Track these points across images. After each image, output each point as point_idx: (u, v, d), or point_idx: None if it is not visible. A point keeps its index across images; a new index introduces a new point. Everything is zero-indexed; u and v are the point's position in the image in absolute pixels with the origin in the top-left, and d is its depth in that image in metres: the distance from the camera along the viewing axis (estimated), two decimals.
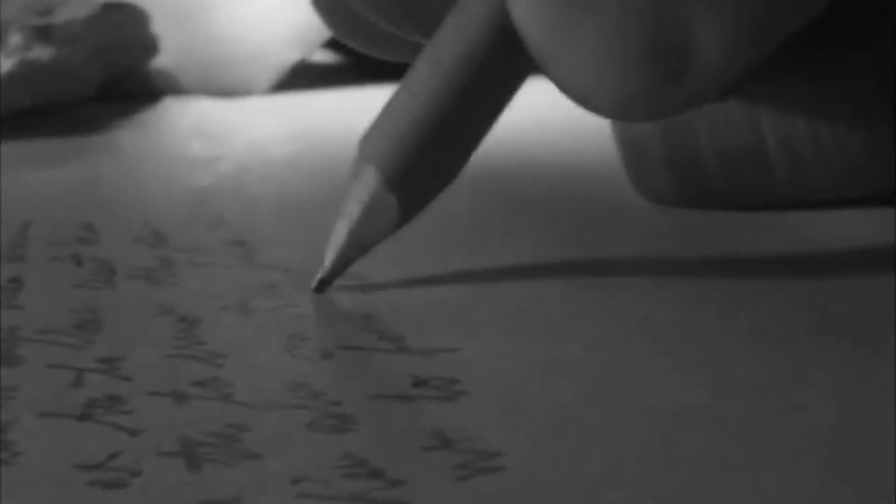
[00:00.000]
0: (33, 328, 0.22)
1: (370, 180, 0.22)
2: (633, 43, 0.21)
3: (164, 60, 0.44)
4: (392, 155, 0.22)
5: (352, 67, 0.45)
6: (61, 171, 0.32)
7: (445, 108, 0.22)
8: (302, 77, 0.44)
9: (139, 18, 0.45)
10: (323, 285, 0.23)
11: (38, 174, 0.32)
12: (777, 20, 0.22)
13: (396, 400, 0.18)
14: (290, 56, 0.44)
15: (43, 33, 0.41)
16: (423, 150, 0.22)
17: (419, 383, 0.19)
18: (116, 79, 0.42)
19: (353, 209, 0.22)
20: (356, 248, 0.23)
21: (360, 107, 0.36)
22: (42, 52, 0.40)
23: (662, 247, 0.26)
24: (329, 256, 0.23)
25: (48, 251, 0.26)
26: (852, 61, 0.26)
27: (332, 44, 0.46)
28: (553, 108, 0.27)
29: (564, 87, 0.22)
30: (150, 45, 0.45)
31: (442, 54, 0.22)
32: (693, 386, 0.18)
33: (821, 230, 0.27)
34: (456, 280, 0.24)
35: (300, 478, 0.16)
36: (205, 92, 0.42)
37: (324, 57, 0.47)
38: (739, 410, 0.18)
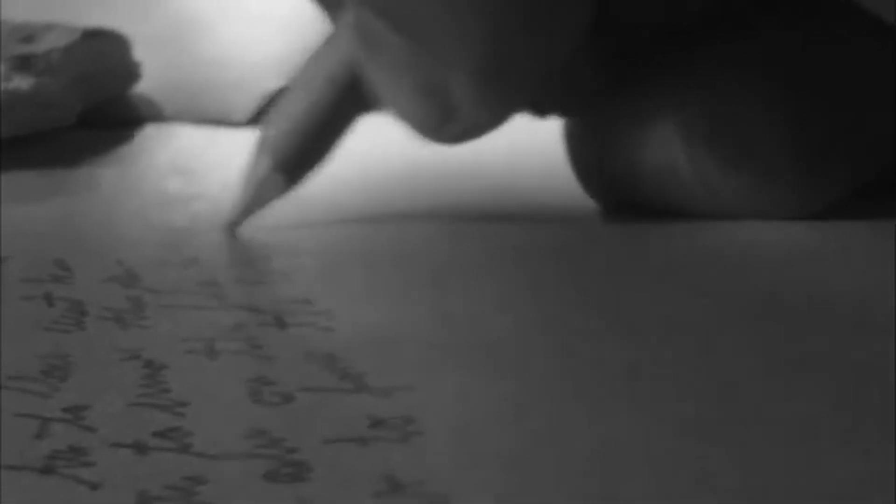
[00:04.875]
0: (4, 374, 0.22)
1: (264, 163, 0.30)
2: (407, 84, 0.26)
3: (145, 87, 0.45)
4: (281, 145, 0.30)
5: None
6: (39, 206, 0.33)
7: (320, 114, 0.30)
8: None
9: (120, 45, 0.45)
10: (231, 228, 0.30)
11: (16, 209, 0.32)
12: (523, 69, 0.26)
13: (353, 443, 0.19)
14: (271, 83, 0.44)
15: (24, 63, 0.41)
16: (302, 142, 0.30)
17: (375, 424, 0.19)
18: (97, 106, 0.43)
19: (251, 182, 0.30)
20: (253, 207, 0.31)
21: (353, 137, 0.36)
22: (22, 82, 0.40)
23: (622, 272, 0.26)
24: (234, 210, 0.31)
25: (22, 290, 0.27)
26: (744, 86, 0.27)
27: None
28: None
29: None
30: (131, 72, 0.45)
31: (318, 72, 0.30)
32: (646, 426, 0.19)
33: (782, 244, 0.27)
34: (418, 315, 0.24)
35: None
36: (186, 118, 0.43)
37: None
38: (688, 451, 0.18)
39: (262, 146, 0.31)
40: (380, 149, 0.36)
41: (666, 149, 0.28)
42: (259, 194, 0.30)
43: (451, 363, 0.21)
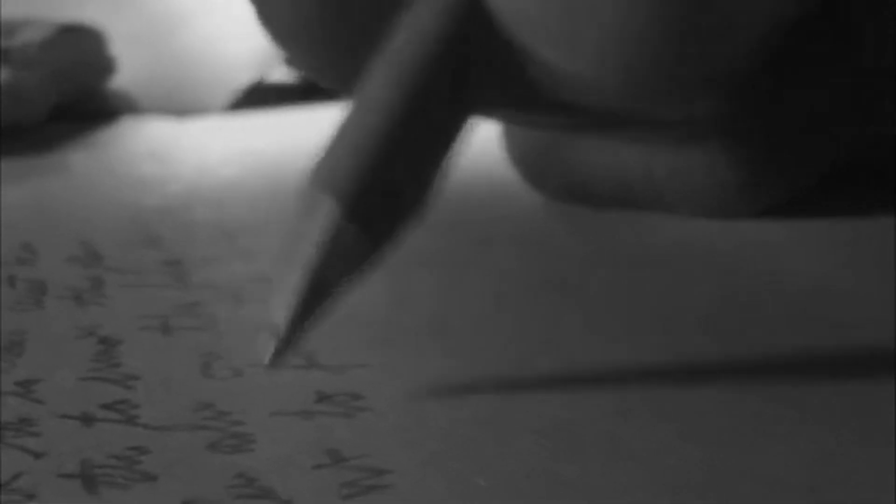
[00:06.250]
0: None
1: (326, 213, 0.19)
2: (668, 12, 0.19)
3: (121, 81, 0.45)
4: (350, 180, 0.19)
5: (309, 86, 0.45)
6: (9, 191, 0.33)
7: (407, 118, 0.19)
8: (259, 96, 0.44)
9: (96, 40, 0.45)
10: (279, 354, 0.18)
11: None
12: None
13: (298, 416, 0.19)
14: (247, 76, 0.44)
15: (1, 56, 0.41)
16: (385, 169, 0.19)
17: (322, 398, 0.19)
18: (72, 100, 0.43)
19: (307, 251, 0.18)
20: (315, 299, 0.18)
21: (312, 126, 0.37)
22: None
23: (574, 256, 0.26)
24: (281, 316, 0.18)
25: None
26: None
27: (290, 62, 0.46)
28: None
29: (565, 69, 0.20)
30: (106, 67, 0.45)
31: (399, 59, 0.20)
32: (594, 407, 0.19)
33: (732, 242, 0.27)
34: (374, 295, 0.24)
35: (191, 499, 0.16)
36: (162, 112, 0.43)
37: (282, 76, 0.47)
38: (637, 434, 0.18)
39: (317, 186, 0.19)
40: None
41: (620, 154, 0.28)
42: (325, 271, 0.18)
43: (403, 342, 0.22)
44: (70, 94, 0.43)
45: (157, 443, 0.18)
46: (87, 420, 0.19)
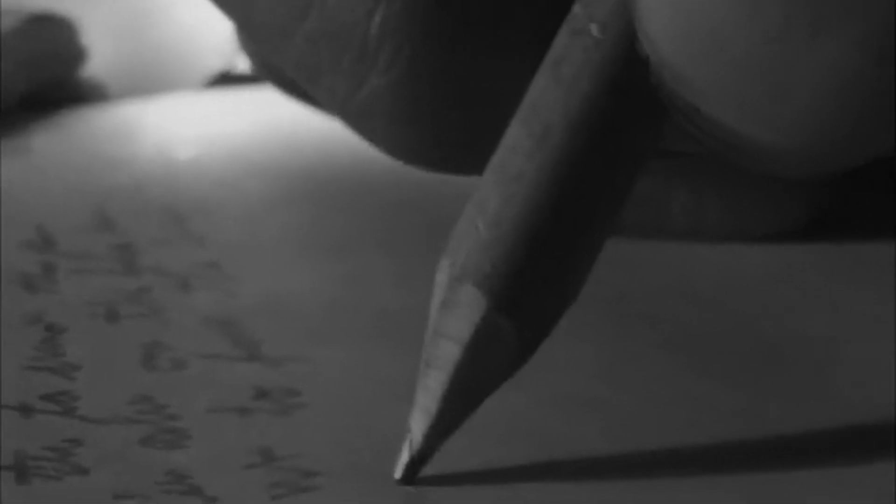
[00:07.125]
0: None
1: (473, 307, 0.17)
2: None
3: (92, 70, 0.45)
4: (501, 270, 0.17)
5: None
6: None
7: (561, 191, 0.17)
8: (228, 84, 0.44)
9: (67, 29, 0.45)
10: (414, 468, 0.17)
11: None
12: None
13: (235, 413, 0.19)
14: (216, 64, 0.45)
15: None
16: (540, 254, 0.17)
17: (260, 395, 0.19)
18: (43, 88, 0.43)
19: (450, 352, 0.17)
20: (459, 405, 0.17)
21: (275, 108, 0.37)
22: None
23: None
24: (418, 427, 0.17)
25: None
26: None
27: None
28: None
29: (755, 144, 0.17)
30: (77, 56, 0.45)
31: (549, 119, 0.17)
32: (527, 405, 0.19)
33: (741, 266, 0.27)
34: (324, 286, 0.24)
35: (122, 494, 0.17)
36: (132, 99, 0.43)
37: (248, 65, 0.47)
38: (569, 432, 0.18)
39: (456, 278, 0.17)
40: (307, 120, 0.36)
41: None
42: (472, 373, 0.17)
43: (348, 334, 0.22)
44: (40, 82, 0.43)
45: (92, 435, 0.18)
46: (25, 411, 0.19)
